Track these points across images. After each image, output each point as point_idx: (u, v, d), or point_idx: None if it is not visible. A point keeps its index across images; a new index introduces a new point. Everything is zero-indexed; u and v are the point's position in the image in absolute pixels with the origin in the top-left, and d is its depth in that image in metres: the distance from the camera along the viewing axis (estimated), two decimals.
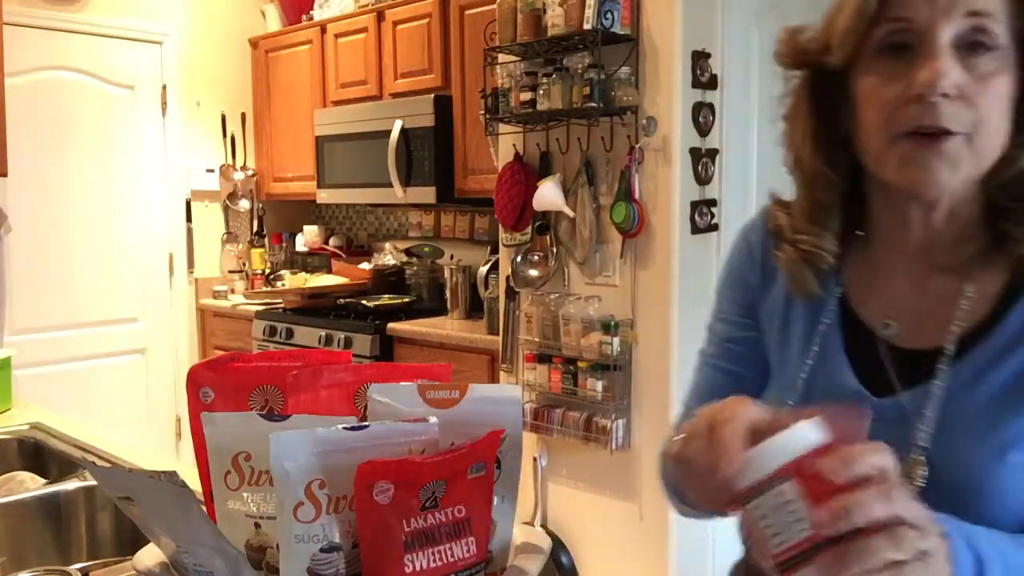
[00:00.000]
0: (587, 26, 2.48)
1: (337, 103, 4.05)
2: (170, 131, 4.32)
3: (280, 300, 4.04)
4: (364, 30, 3.90)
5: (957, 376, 0.81)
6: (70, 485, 1.44)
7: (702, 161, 2.58)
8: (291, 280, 4.30)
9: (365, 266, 4.14)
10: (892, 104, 0.77)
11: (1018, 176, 0.80)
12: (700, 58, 2.53)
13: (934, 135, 0.76)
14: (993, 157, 0.79)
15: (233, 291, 4.47)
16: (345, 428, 0.70)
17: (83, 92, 4.03)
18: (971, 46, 0.75)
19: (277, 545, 0.71)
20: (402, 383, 0.78)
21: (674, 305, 2.52)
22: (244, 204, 4.59)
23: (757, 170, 2.77)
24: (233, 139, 4.55)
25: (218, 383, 0.81)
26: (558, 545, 2.77)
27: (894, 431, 0.79)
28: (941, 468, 0.79)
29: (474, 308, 3.59)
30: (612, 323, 2.57)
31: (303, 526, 0.68)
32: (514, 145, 2.87)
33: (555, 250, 2.79)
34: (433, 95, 3.51)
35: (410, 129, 3.56)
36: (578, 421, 2.65)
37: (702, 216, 2.58)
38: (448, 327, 3.41)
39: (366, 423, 0.71)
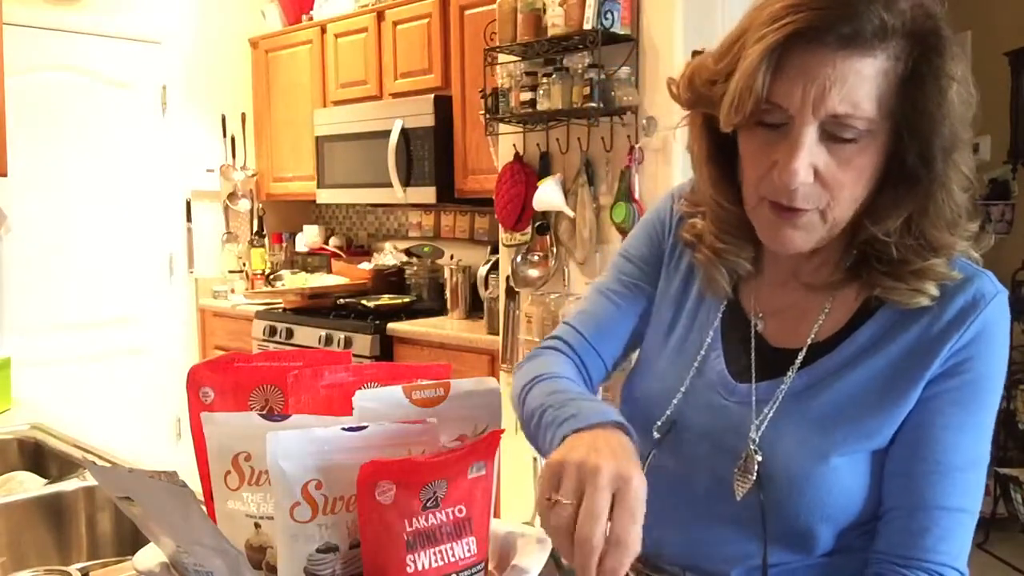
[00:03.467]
0: (587, 26, 2.48)
1: (337, 103, 4.05)
2: (170, 131, 4.32)
3: (280, 300, 4.04)
4: (364, 30, 3.89)
5: (802, 379, 0.90)
6: (70, 485, 1.44)
7: None
8: (291, 280, 4.29)
9: (365, 266, 4.14)
10: (760, 172, 0.84)
11: (867, 238, 0.86)
12: None
13: (791, 208, 0.83)
14: (845, 221, 0.85)
15: (233, 291, 4.47)
16: (343, 429, 0.70)
17: (83, 92, 4.03)
18: (836, 131, 0.80)
19: None
20: (387, 387, 0.78)
21: None
22: (244, 204, 4.59)
23: None
24: (233, 139, 4.55)
25: (218, 383, 0.81)
26: None
27: (740, 416, 0.91)
28: (769, 459, 0.87)
29: (474, 308, 3.59)
30: None
31: (299, 526, 0.68)
32: (514, 145, 2.87)
33: (555, 250, 2.79)
34: (433, 95, 3.50)
35: (410, 129, 3.55)
36: None
37: None
38: (448, 327, 3.41)
39: (364, 424, 0.71)
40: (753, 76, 0.79)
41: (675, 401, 0.95)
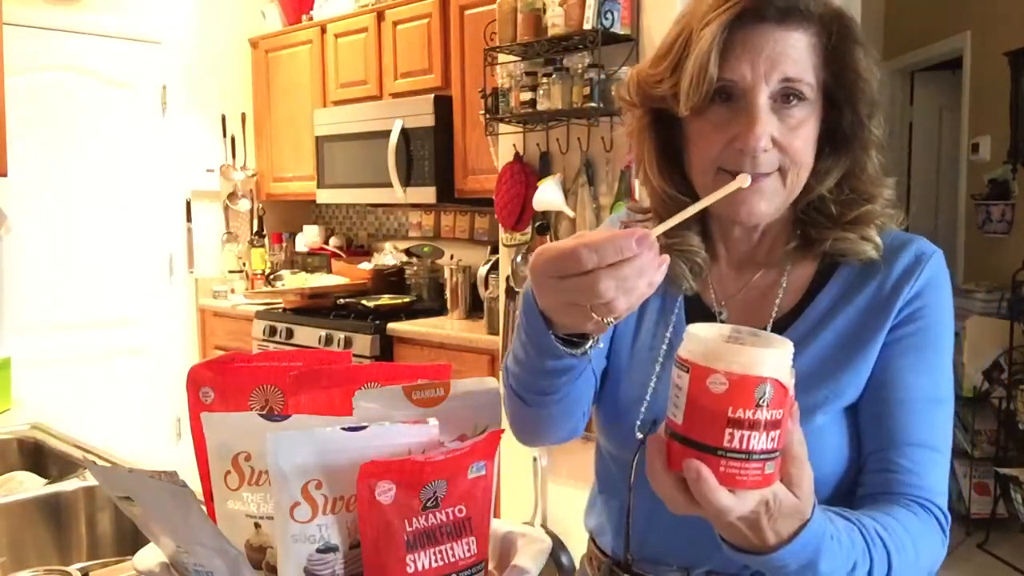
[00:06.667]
0: (587, 26, 2.48)
1: (337, 103, 4.05)
2: (170, 131, 4.32)
3: (280, 300, 4.04)
4: (364, 30, 3.90)
5: None
6: (70, 485, 1.44)
7: None
8: (291, 280, 4.29)
9: (365, 266, 4.14)
10: (718, 148, 0.91)
11: (816, 200, 0.96)
12: None
13: (754, 175, 0.89)
14: (800, 188, 0.94)
15: (233, 291, 4.47)
16: (343, 429, 0.70)
17: (83, 92, 4.03)
18: (784, 99, 0.90)
19: None
20: (387, 387, 0.78)
21: None
22: (244, 204, 4.59)
23: None
24: (233, 139, 4.55)
25: (218, 383, 0.81)
26: (558, 545, 2.77)
27: None
28: None
29: (474, 308, 3.59)
30: None
31: (299, 526, 0.68)
32: (514, 145, 2.87)
33: None
34: (433, 95, 3.51)
35: (410, 129, 3.55)
36: None
37: None
38: (448, 327, 3.41)
39: (364, 424, 0.71)
40: (707, 55, 0.87)
41: (647, 397, 0.98)
